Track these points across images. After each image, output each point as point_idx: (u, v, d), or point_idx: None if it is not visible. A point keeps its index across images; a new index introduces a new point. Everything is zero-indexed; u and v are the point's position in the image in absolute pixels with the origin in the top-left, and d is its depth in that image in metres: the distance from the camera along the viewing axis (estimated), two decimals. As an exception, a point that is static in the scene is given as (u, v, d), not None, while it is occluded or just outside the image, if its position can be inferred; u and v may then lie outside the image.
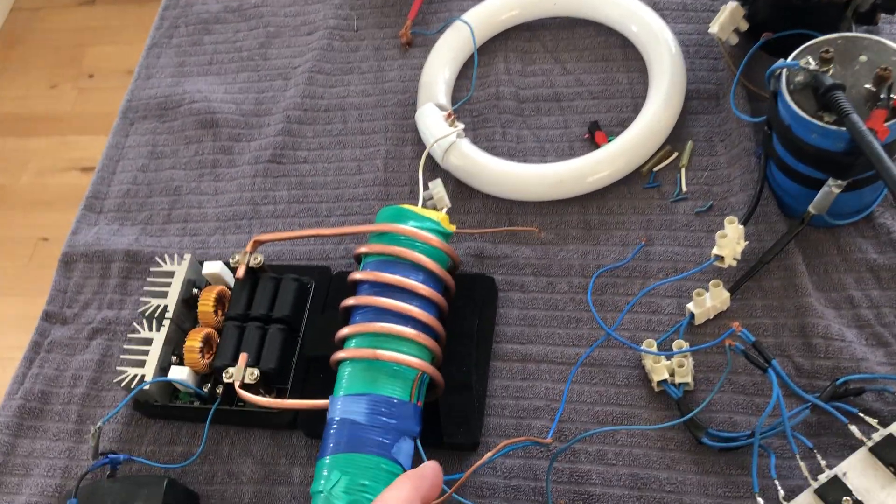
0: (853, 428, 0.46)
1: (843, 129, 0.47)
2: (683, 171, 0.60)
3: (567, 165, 0.60)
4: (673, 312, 0.55)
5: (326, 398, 0.50)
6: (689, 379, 0.51)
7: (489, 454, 0.46)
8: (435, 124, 0.63)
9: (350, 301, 0.52)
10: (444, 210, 0.56)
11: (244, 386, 0.53)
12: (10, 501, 0.56)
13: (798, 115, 0.49)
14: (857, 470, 0.45)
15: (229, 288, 0.59)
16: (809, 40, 0.51)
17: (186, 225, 0.67)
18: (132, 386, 0.54)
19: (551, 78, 0.67)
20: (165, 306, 0.57)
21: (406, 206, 0.54)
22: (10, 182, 1.70)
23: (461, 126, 0.63)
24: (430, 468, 0.40)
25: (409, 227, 0.52)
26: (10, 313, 1.51)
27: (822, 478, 0.45)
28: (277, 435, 0.55)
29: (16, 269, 1.58)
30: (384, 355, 0.48)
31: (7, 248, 1.61)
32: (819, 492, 0.44)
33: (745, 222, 0.54)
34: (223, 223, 0.66)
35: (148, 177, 0.71)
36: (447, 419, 0.52)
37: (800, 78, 0.50)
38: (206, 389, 0.55)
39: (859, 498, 0.44)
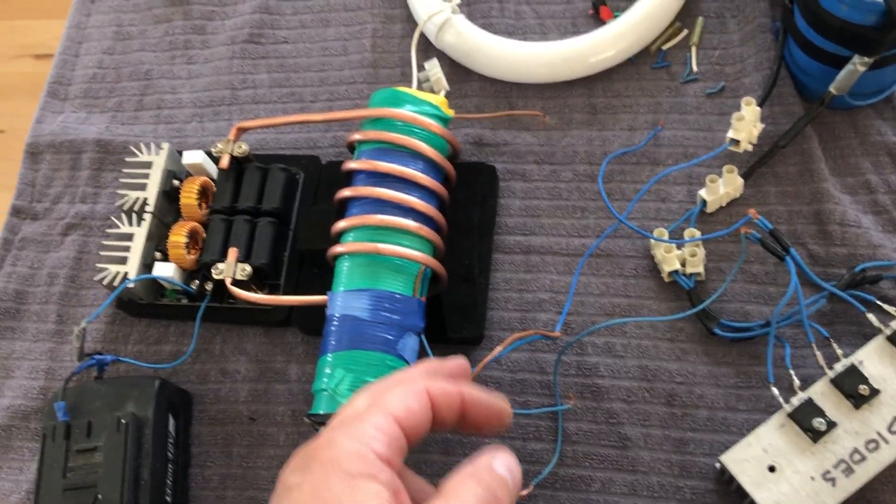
0: (871, 316, 0.45)
1: None
2: (694, 49, 0.56)
3: (570, 44, 0.56)
4: (683, 200, 0.52)
5: (322, 293, 0.48)
6: (700, 269, 0.49)
7: (498, 349, 0.44)
8: (427, -1, 0.59)
9: (346, 192, 0.48)
10: (442, 93, 0.53)
11: (235, 282, 0.50)
12: (-8, 404, 0.54)
13: (828, -15, 0.46)
14: (873, 358, 0.44)
15: (212, 179, 0.55)
16: None
17: (160, 112, 0.62)
18: (115, 284, 0.51)
19: (551, -53, 0.62)
20: (145, 199, 0.53)
21: (402, 89, 0.50)
22: (-43, 70, 1.61)
23: (456, 0, 0.58)
24: (457, 363, 0.35)
25: (406, 112, 0.49)
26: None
27: (839, 366, 0.44)
28: (271, 332, 0.53)
29: (-28, 162, 1.51)
30: (386, 249, 0.46)
31: (-39, 140, 1.53)
32: (835, 381, 0.43)
33: (762, 104, 0.51)
34: (200, 110, 0.62)
35: (115, 60, 0.65)
36: (451, 313, 0.50)
37: (831, -56, 0.46)
38: (193, 286, 0.52)
39: (876, 386, 0.43)
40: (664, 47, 0.57)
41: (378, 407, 0.31)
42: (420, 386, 0.32)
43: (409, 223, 0.47)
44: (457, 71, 0.59)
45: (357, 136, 0.49)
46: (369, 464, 0.29)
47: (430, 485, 0.34)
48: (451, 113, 0.51)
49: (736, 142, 0.50)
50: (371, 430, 0.30)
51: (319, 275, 0.52)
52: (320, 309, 0.48)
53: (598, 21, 0.59)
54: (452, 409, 0.32)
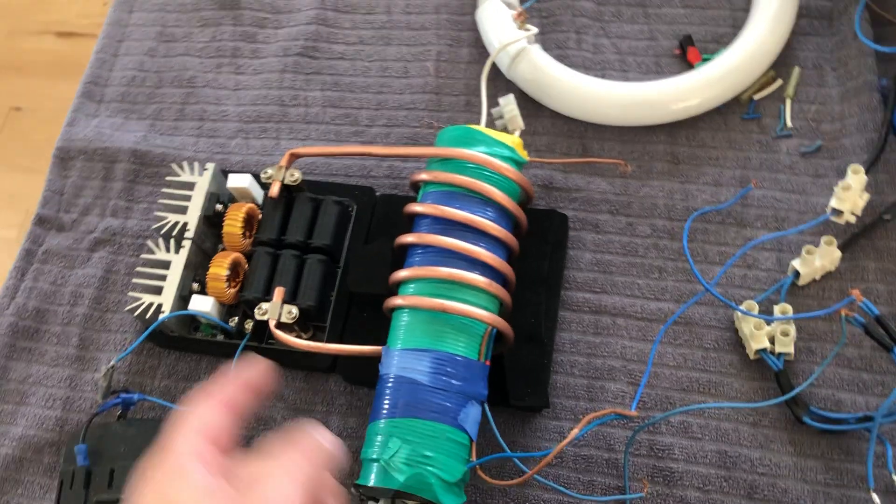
0: (984, 421, 0.41)
1: None
2: (789, 102, 0.52)
3: (654, 87, 0.52)
4: (771, 268, 0.48)
5: (370, 339, 0.43)
6: (791, 349, 0.45)
7: (574, 431, 0.40)
8: (502, 25, 0.54)
9: (409, 238, 0.44)
10: (517, 133, 0.48)
11: (279, 325, 0.46)
12: (3, 432, 0.50)
13: (963, 51, 0.41)
14: None
15: (258, 206, 0.51)
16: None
17: (202, 124, 0.58)
18: (147, 317, 0.47)
19: (634, -23, 0.58)
20: (185, 224, 0.49)
21: (475, 127, 0.46)
22: (-26, 44, 1.56)
23: (534, 29, 0.53)
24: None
25: (479, 154, 0.44)
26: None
27: (948, 476, 0.40)
28: (312, 377, 0.49)
29: (-13, 139, 1.47)
30: (453, 307, 0.41)
31: (-24, 116, 1.49)
32: (943, 492, 0.39)
33: (867, 170, 0.47)
34: (246, 125, 0.58)
35: (156, 63, 0.61)
36: (514, 378, 0.45)
37: (968, 6, 0.41)
38: (231, 322, 0.48)
39: None
40: (756, 97, 0.52)
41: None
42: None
43: (479, 279, 0.42)
44: (527, 105, 0.54)
45: (424, 176, 0.45)
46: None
47: None
48: (526, 156, 0.46)
49: (838, 212, 0.45)
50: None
51: (369, 319, 0.48)
52: (367, 358, 0.44)
53: (683, 62, 0.54)
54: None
